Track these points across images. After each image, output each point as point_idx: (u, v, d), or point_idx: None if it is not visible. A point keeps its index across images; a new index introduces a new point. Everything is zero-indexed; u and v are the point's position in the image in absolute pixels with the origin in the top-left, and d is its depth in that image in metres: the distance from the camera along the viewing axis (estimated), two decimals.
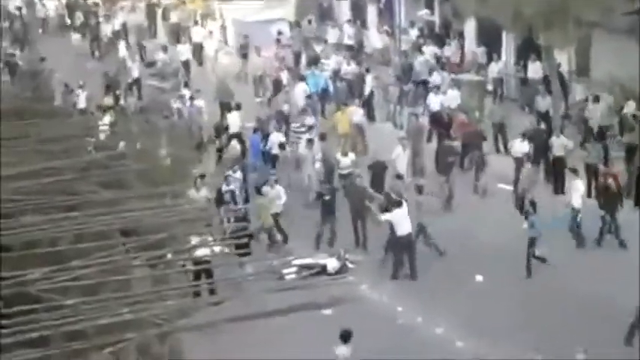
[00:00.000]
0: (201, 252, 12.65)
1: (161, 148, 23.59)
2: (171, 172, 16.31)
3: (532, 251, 22.48)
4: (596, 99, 28.73)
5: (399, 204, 22.52)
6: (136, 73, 36.51)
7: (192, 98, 31.96)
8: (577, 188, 24.00)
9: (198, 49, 40.55)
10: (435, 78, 33.50)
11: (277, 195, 24.63)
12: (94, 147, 14.19)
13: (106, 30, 44.34)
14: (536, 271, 22.49)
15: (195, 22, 43.97)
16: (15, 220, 10.39)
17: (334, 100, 33.21)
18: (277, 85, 34.69)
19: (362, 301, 20.85)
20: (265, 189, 24.67)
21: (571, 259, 23.04)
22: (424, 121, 30.52)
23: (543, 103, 30.00)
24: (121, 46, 40.45)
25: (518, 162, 26.62)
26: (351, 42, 39.67)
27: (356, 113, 30.40)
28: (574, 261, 22.99)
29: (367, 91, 33.36)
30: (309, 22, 41.80)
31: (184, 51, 38.95)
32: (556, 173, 26.60)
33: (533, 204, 22.83)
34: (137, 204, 11.21)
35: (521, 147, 26.88)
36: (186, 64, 38.08)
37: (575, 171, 24.84)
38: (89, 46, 43.81)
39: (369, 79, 33.79)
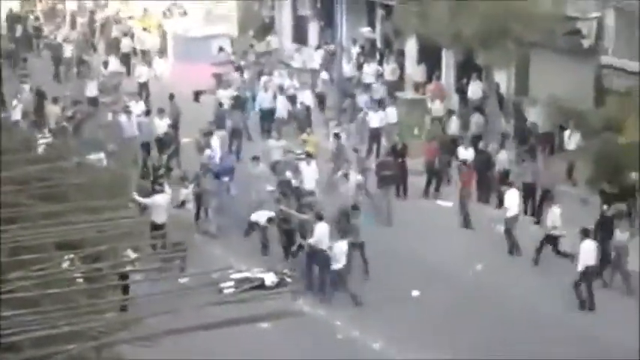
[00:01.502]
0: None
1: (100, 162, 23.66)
2: (110, 185, 16.25)
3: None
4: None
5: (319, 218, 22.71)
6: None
7: (148, 113, 32.27)
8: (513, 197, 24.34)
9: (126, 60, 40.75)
10: (375, 95, 33.72)
11: None
12: (33, 160, 14.11)
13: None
14: (477, 286, 22.74)
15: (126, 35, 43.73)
16: None
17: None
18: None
19: (300, 316, 20.91)
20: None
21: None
22: (360, 138, 30.60)
23: (477, 124, 30.34)
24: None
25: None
26: (293, 59, 39.90)
27: None
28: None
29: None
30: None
31: (144, 72, 38.43)
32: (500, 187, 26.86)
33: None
34: (76, 217, 11.18)
35: (465, 154, 27.35)
36: (144, 86, 37.47)
37: (510, 183, 25.33)
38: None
39: (307, 94, 34.02)
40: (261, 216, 24.98)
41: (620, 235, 22.47)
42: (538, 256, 23.73)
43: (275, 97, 34.07)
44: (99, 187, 13.59)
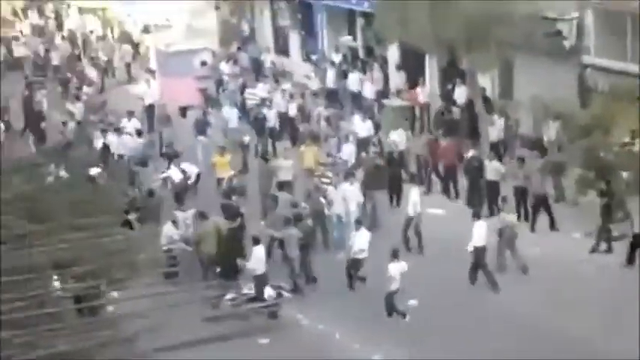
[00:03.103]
0: None
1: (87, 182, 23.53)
2: (98, 204, 16.14)
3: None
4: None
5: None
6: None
7: (140, 133, 32.33)
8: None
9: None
10: (362, 103, 33.72)
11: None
12: (21, 180, 14.01)
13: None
14: (478, 296, 22.75)
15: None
16: None
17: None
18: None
19: (299, 330, 20.82)
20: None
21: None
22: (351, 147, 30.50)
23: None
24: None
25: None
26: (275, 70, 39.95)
27: None
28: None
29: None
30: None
31: (145, 91, 37.61)
32: (490, 197, 26.78)
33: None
34: (68, 235, 11.10)
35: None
36: (151, 108, 36.46)
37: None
38: None
39: (293, 106, 33.99)
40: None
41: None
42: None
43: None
44: (88, 204, 13.51)
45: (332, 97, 35.81)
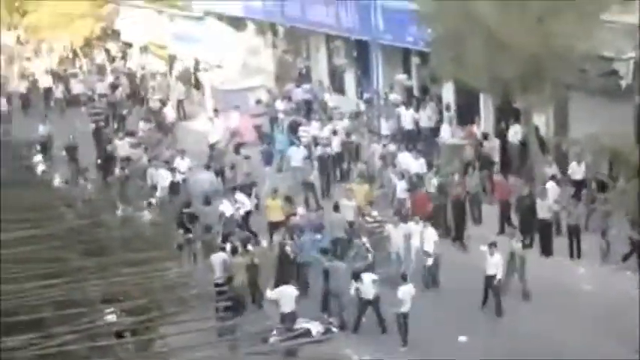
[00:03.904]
0: None
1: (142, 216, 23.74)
2: (153, 239, 16.26)
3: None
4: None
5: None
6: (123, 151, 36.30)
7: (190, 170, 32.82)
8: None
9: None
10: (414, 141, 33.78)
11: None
12: (75, 215, 14.16)
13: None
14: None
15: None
16: None
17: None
18: None
19: None
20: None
21: None
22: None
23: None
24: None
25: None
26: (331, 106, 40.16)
27: None
28: None
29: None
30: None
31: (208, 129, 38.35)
32: (543, 236, 26.61)
33: None
34: (120, 271, 11.17)
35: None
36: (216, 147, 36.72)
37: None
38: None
39: (345, 143, 34.25)
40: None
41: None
42: None
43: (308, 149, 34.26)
44: (141, 240, 13.62)
45: (387, 134, 35.83)
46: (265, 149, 34.37)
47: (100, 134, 38.87)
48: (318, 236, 26.51)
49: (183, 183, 32.06)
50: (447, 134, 34.09)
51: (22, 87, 48.78)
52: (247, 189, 30.35)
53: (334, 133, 34.73)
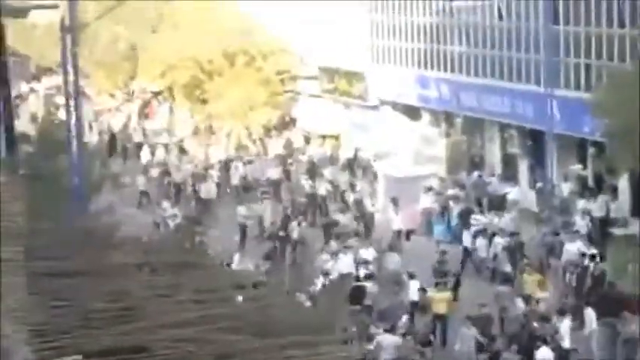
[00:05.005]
0: None
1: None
2: (318, 320, 16.43)
3: None
4: None
5: None
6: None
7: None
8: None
9: None
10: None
11: None
12: (242, 299, 14.47)
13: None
14: None
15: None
16: None
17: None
18: None
19: None
20: None
21: None
22: None
23: None
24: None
25: None
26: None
27: None
28: None
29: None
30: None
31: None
32: None
33: None
34: (288, 353, 11.34)
35: None
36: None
37: None
38: None
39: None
40: None
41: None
42: None
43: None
44: (306, 324, 13.77)
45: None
46: None
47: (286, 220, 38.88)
48: None
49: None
50: None
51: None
52: None
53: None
